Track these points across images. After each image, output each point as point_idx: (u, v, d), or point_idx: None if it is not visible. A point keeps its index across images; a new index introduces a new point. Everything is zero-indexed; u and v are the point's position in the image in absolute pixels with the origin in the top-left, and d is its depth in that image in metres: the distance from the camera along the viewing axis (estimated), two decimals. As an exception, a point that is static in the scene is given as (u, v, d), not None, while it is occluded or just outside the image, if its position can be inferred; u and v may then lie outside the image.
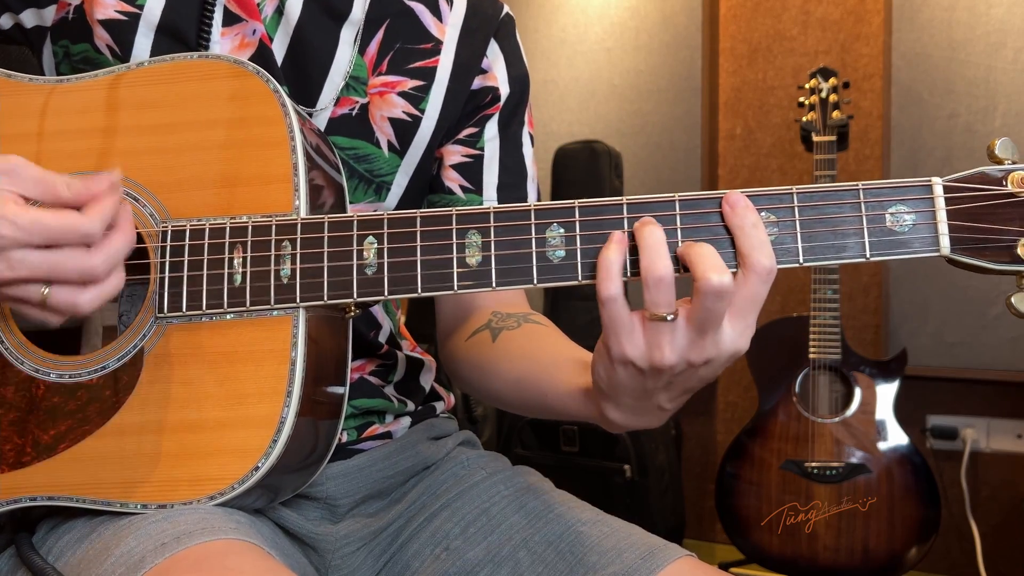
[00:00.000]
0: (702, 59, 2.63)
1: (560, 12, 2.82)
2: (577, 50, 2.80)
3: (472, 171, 0.97)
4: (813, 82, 2.25)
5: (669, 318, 0.65)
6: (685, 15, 2.65)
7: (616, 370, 0.68)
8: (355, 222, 0.73)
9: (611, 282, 0.66)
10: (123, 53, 0.82)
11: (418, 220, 0.72)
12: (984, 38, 2.29)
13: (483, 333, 0.91)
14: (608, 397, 0.72)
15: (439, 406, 1.03)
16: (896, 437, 2.14)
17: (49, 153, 0.77)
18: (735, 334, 0.66)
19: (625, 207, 0.70)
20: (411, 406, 0.97)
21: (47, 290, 0.66)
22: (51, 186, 0.67)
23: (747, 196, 0.68)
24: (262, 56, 0.85)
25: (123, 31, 0.82)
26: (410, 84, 0.91)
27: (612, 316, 0.66)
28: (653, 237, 0.66)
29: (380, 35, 0.91)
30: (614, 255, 0.67)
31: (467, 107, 0.96)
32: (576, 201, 0.70)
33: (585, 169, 2.54)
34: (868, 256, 0.68)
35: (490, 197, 0.97)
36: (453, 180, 0.96)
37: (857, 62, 2.54)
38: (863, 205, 0.68)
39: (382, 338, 0.95)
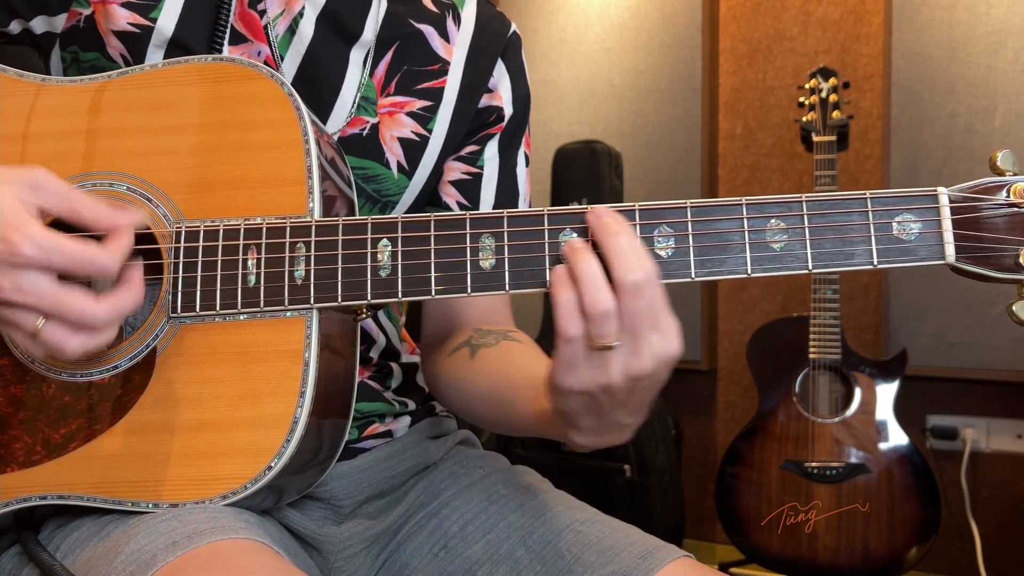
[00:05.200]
0: (702, 59, 2.63)
1: (560, 12, 2.82)
2: (577, 50, 2.80)
3: (470, 188, 0.97)
4: (813, 82, 2.25)
5: (616, 345, 0.63)
6: (685, 15, 2.65)
7: (569, 399, 0.67)
8: (369, 224, 0.73)
9: (574, 320, 0.64)
10: (136, 63, 0.82)
11: (432, 223, 0.72)
12: (984, 38, 2.29)
13: (463, 350, 0.91)
14: (569, 423, 0.71)
15: (438, 405, 1.03)
16: (896, 437, 2.13)
17: (60, 153, 0.77)
18: (662, 340, 0.64)
19: (637, 213, 0.70)
20: (411, 405, 0.98)
21: (41, 322, 0.64)
22: (73, 204, 0.66)
23: (758, 203, 0.69)
24: None
25: (136, 42, 0.82)
26: (418, 104, 0.92)
27: (574, 353, 0.64)
28: (590, 270, 0.64)
29: (388, 57, 0.91)
30: (569, 295, 0.64)
31: (472, 125, 0.96)
32: (589, 207, 0.70)
33: (585, 169, 2.53)
34: (876, 263, 0.69)
35: None
36: (451, 196, 0.97)
37: (857, 62, 2.54)
38: (871, 214, 0.69)
39: (374, 353, 0.95)
